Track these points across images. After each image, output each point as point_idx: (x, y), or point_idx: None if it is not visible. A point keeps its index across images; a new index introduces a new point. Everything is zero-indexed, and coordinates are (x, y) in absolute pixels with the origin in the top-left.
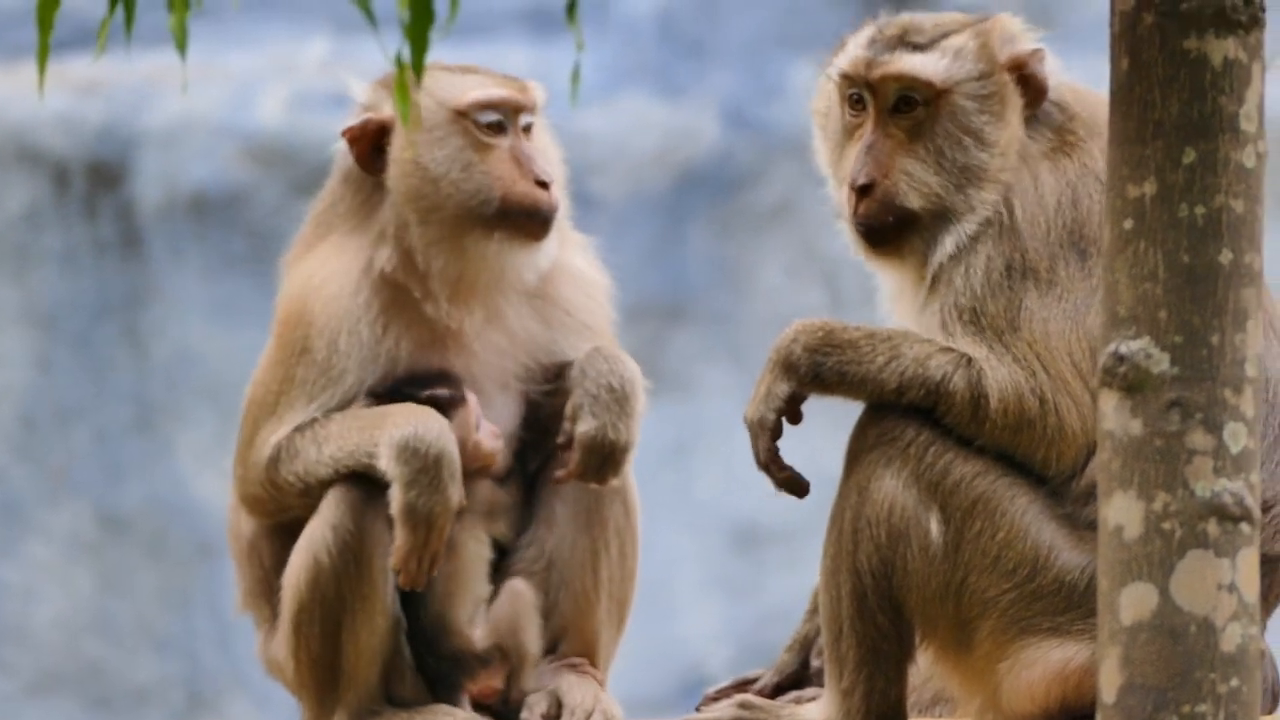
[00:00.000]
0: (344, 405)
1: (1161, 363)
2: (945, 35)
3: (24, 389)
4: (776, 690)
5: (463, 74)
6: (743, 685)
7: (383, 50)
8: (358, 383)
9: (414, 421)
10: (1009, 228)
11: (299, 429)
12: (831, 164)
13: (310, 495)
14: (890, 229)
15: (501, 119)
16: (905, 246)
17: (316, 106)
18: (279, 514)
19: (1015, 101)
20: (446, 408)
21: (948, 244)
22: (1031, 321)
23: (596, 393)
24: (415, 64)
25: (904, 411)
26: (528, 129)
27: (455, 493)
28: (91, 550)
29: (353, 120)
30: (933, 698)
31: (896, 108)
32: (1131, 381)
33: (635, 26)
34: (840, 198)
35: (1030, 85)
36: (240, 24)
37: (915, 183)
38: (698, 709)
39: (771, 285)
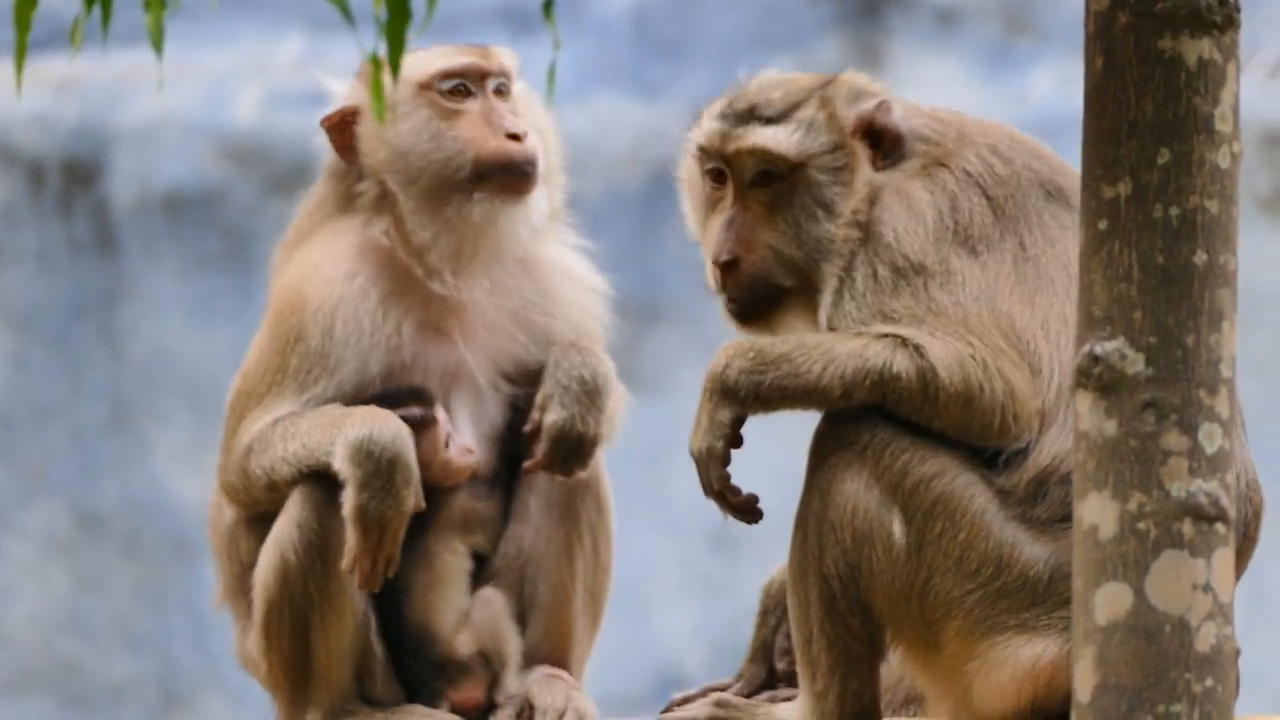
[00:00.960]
0: (336, 400)
1: (1136, 363)
2: (795, 107)
3: None
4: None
5: (425, 51)
6: (712, 692)
7: (360, 48)
8: (356, 373)
9: (370, 424)
10: (881, 243)
11: (276, 420)
12: (699, 235)
13: (276, 491)
14: (761, 303)
15: (465, 84)
16: (778, 319)
17: (291, 105)
18: (251, 506)
19: (863, 164)
20: (417, 427)
21: (822, 310)
22: (945, 307)
23: (567, 384)
24: (393, 62)
25: (860, 415)
26: (501, 93)
27: (408, 497)
28: (67, 549)
29: (329, 110)
30: (906, 697)
31: (755, 181)
32: (1106, 382)
33: (610, 26)
34: (708, 272)
35: (885, 137)
36: (215, 23)
37: (782, 258)
38: (664, 713)
39: None
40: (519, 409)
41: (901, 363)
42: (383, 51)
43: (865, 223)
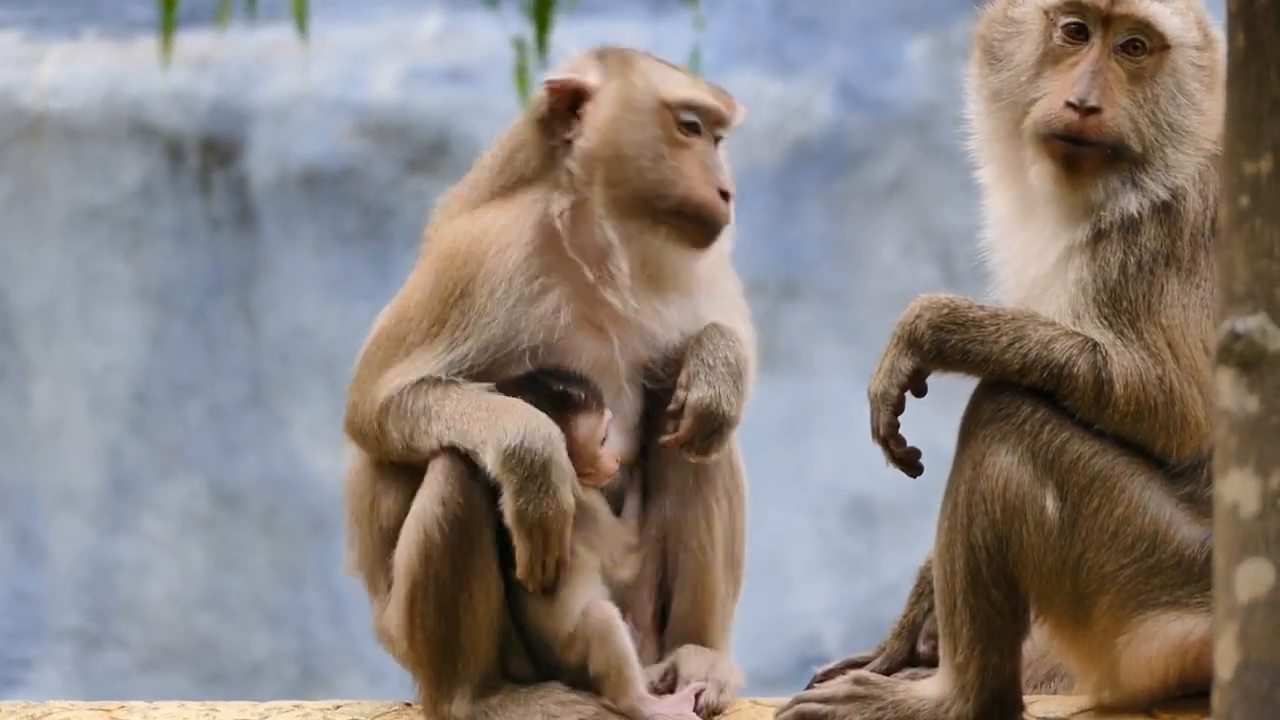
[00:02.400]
0: (482, 365)
1: (1278, 339)
2: None
3: (138, 365)
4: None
5: (676, 71)
6: (852, 666)
7: (503, 29)
8: (504, 340)
9: (522, 427)
10: (1176, 217)
11: (421, 384)
12: (1011, 86)
13: (413, 454)
14: (1096, 157)
15: (699, 122)
16: (1091, 181)
17: (430, 82)
18: (380, 455)
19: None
20: (576, 407)
21: (1131, 201)
22: (1170, 307)
23: (712, 363)
24: (539, 42)
25: (1020, 388)
26: (718, 142)
27: (566, 495)
28: (205, 526)
29: (559, 74)
30: (1048, 673)
31: (1123, 47)
32: (1248, 358)
33: (749, 3)
34: (1038, 112)
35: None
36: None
37: (1134, 124)
38: (806, 688)
39: (885, 262)
40: (652, 396)
41: (1083, 366)
42: (528, 34)
43: (1211, 149)
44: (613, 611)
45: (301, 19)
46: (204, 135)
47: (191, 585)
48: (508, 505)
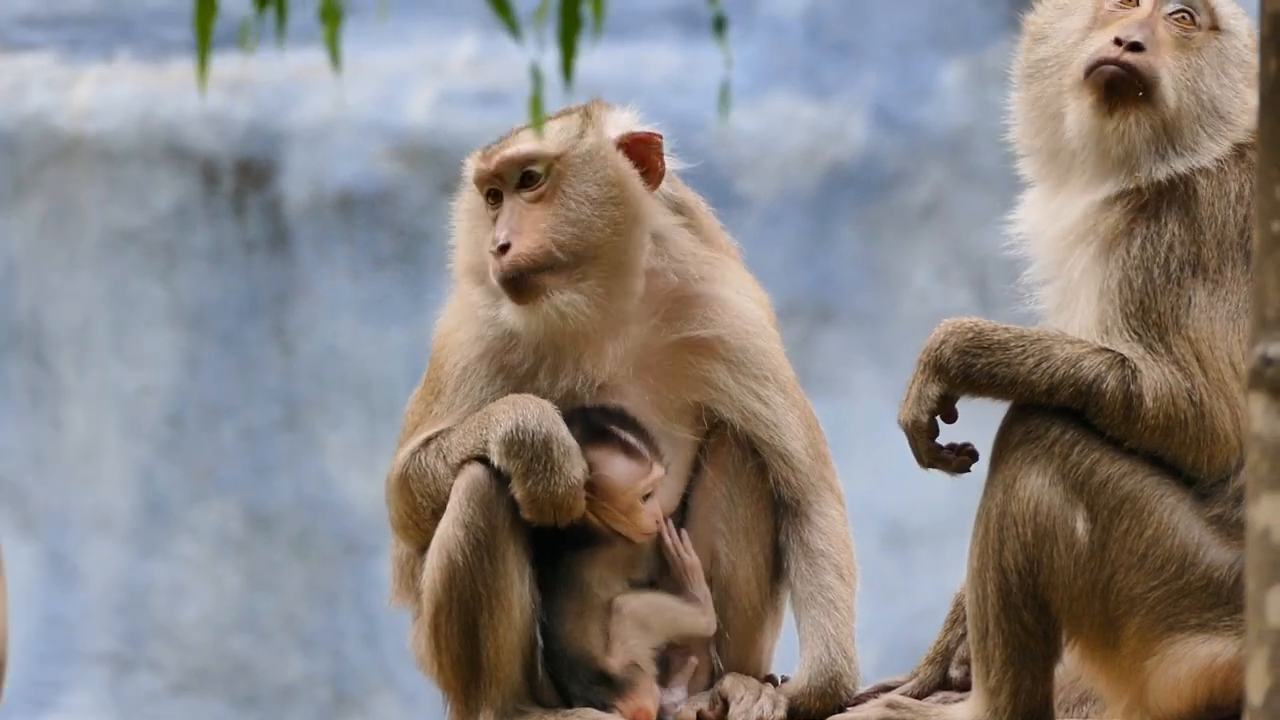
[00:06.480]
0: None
1: None
2: None
3: (171, 388)
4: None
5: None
6: (885, 690)
7: (524, 57)
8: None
9: (514, 414)
10: (1193, 215)
11: (427, 441)
12: (1058, 51)
13: (443, 504)
14: (1133, 89)
15: (492, 189)
16: (1124, 116)
17: (464, 106)
18: (424, 538)
19: (1248, 82)
20: (615, 445)
21: (1160, 170)
22: (1198, 320)
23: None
24: (565, 70)
25: (1050, 410)
26: (528, 185)
27: (572, 468)
28: (239, 548)
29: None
30: (1080, 696)
31: (1172, 14)
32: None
33: (783, 26)
34: (1085, 53)
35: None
36: (389, 22)
37: (1173, 77)
38: (838, 711)
39: (920, 286)
40: (696, 443)
41: (1111, 382)
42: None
43: (1239, 138)
44: (631, 610)
45: (334, 51)
46: (238, 158)
47: (225, 608)
48: (517, 491)
